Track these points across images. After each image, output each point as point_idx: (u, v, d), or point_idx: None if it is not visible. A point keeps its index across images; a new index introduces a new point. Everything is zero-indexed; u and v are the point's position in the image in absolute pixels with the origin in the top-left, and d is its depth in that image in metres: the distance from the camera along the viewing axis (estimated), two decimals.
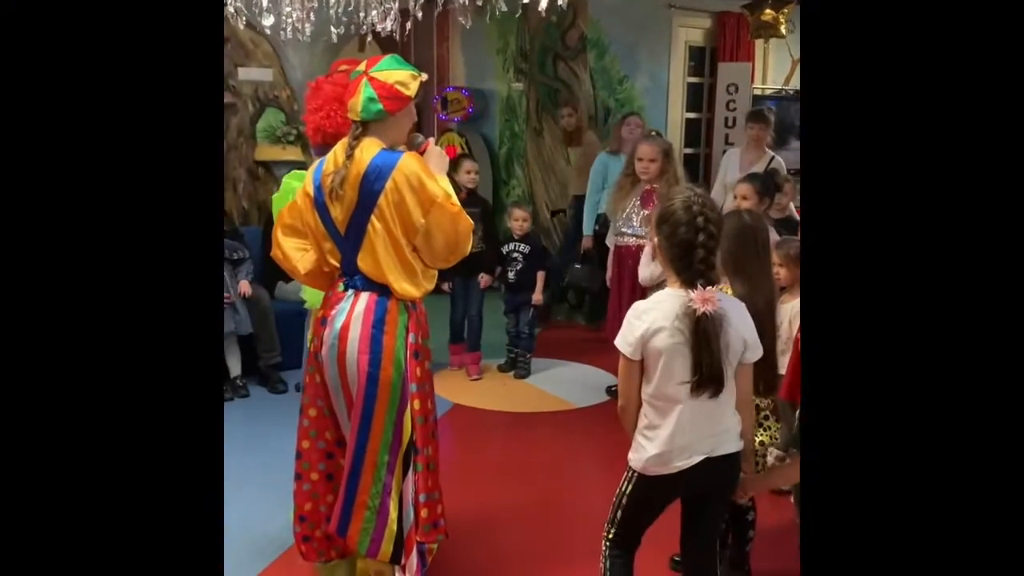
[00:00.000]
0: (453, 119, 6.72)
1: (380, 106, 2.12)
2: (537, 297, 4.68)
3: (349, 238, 2.18)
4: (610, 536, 2.07)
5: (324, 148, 2.43)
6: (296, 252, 2.33)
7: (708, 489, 1.98)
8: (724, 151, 5.42)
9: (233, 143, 5.55)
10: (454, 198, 2.17)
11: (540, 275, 4.66)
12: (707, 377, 1.84)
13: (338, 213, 2.16)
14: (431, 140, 2.35)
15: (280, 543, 2.84)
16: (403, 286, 2.18)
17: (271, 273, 4.59)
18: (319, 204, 2.20)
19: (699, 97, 5.91)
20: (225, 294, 4.22)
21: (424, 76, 2.24)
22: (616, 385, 4.49)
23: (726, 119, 5.64)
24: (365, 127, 2.16)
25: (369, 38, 5.03)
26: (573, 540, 2.89)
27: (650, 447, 1.93)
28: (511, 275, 4.65)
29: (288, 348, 4.43)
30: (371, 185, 2.10)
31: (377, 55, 2.27)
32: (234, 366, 4.37)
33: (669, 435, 1.90)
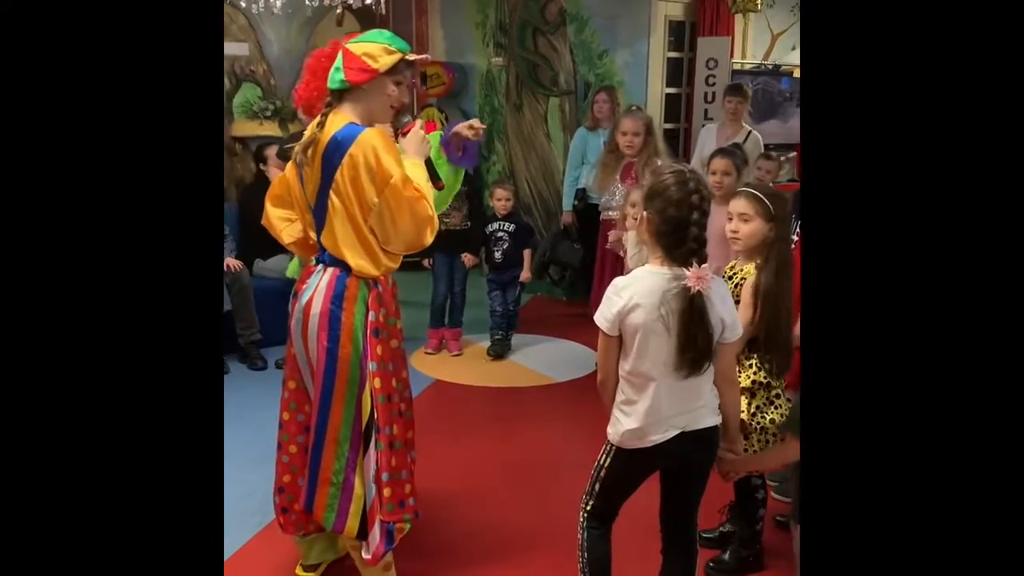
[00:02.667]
0: (431, 94, 6.68)
1: (341, 76, 2.09)
2: (526, 275, 4.69)
3: (316, 212, 2.17)
4: (588, 508, 2.09)
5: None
6: (281, 222, 2.34)
7: (684, 462, 1.99)
8: (703, 126, 5.42)
9: None
10: (417, 183, 2.09)
11: (527, 253, 4.68)
12: (700, 353, 1.83)
13: (309, 185, 2.16)
14: (417, 122, 2.31)
15: (260, 518, 2.85)
16: (359, 263, 2.14)
17: (250, 250, 4.58)
18: (301, 179, 2.20)
19: (679, 72, 5.89)
20: None
21: (426, 57, 2.23)
22: None
23: (705, 94, 5.63)
24: (340, 98, 2.13)
25: (339, 10, 4.97)
26: (553, 513, 2.92)
27: (627, 421, 1.94)
28: (497, 255, 4.64)
29: (268, 325, 4.42)
30: (331, 159, 2.06)
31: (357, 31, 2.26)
32: None
33: (645, 410, 1.91)
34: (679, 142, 5.92)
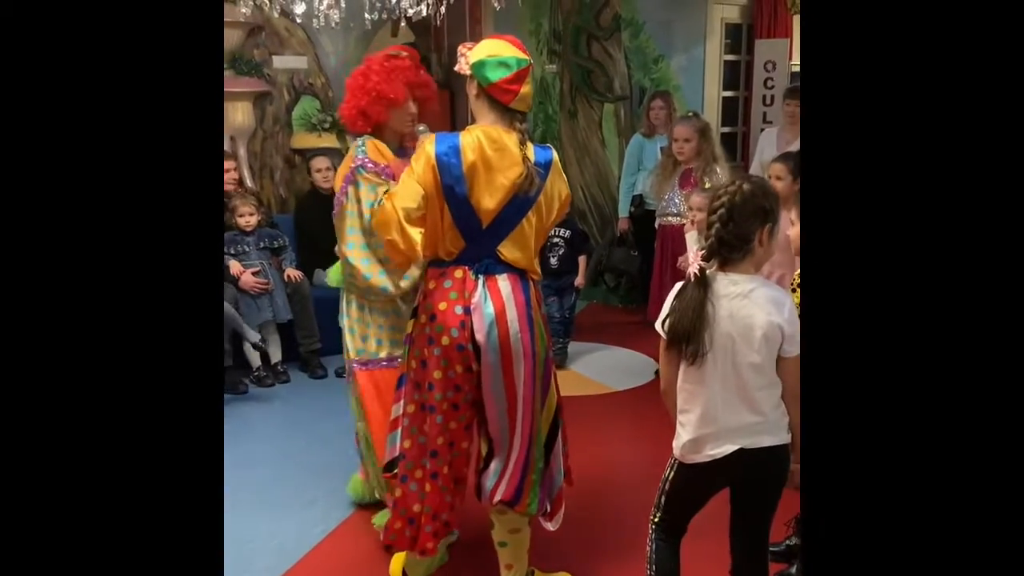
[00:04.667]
0: None
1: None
2: (580, 281, 4.66)
3: (495, 229, 2.13)
4: (655, 520, 2.07)
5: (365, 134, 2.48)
6: (419, 237, 2.14)
7: (749, 481, 1.94)
8: (762, 129, 5.33)
9: (269, 131, 5.59)
10: None
11: (582, 259, 4.64)
12: (676, 336, 1.88)
13: (489, 204, 2.09)
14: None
15: (324, 526, 2.87)
16: (536, 268, 2.26)
17: (309, 260, 4.65)
18: (459, 195, 2.07)
19: (736, 75, 5.81)
20: (265, 281, 4.29)
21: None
22: None
23: (764, 97, 5.54)
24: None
25: (402, 23, 5.03)
26: (615, 522, 2.88)
27: (684, 433, 1.94)
28: (553, 261, 4.62)
29: (327, 334, 4.47)
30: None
31: (513, 38, 2.18)
32: (275, 352, 4.44)
33: (699, 420, 1.89)
34: (737, 146, 5.84)
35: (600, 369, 4.60)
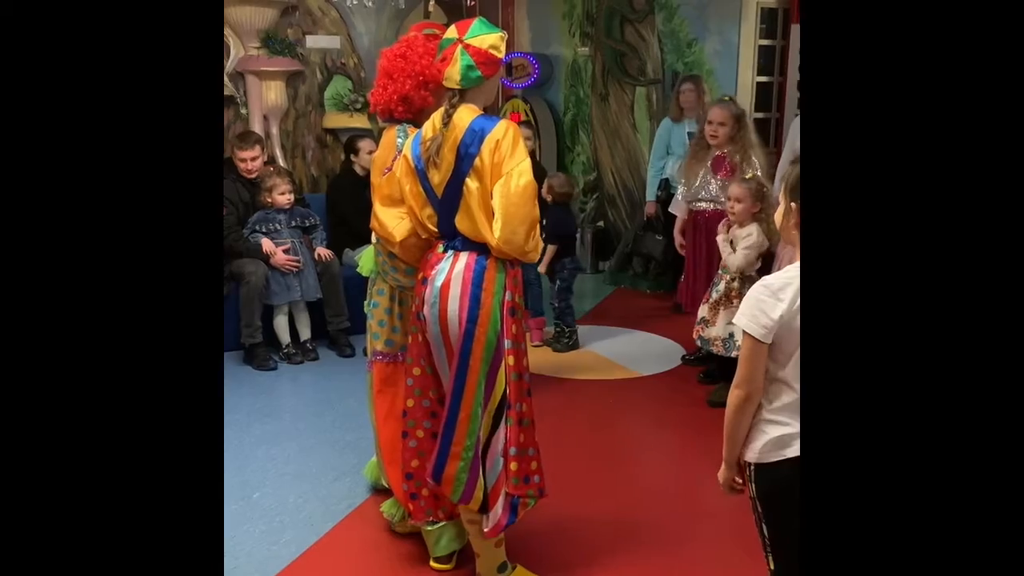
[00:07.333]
0: (517, 85, 6.69)
1: (479, 73, 2.16)
2: (541, 268, 4.54)
3: (446, 201, 2.23)
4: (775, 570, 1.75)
5: (404, 120, 2.49)
6: (394, 220, 2.40)
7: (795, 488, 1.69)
8: (796, 115, 5.27)
9: (302, 111, 5.64)
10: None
11: (550, 248, 4.46)
12: None
13: (436, 178, 2.22)
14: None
15: (350, 501, 2.92)
16: (492, 240, 2.17)
17: (339, 240, 4.69)
18: (419, 171, 2.26)
19: (771, 60, 5.73)
20: (296, 259, 4.34)
21: (505, 34, 2.26)
22: (689, 354, 4.44)
23: (799, 83, 5.47)
24: (462, 94, 2.20)
25: (434, 4, 5.03)
26: (638, 508, 2.90)
27: (773, 430, 1.70)
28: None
29: (356, 313, 4.52)
30: (468, 147, 2.15)
31: (463, 20, 2.24)
32: (304, 330, 4.50)
33: (790, 416, 1.68)
34: (770, 132, 5.78)
35: (626, 354, 4.60)
